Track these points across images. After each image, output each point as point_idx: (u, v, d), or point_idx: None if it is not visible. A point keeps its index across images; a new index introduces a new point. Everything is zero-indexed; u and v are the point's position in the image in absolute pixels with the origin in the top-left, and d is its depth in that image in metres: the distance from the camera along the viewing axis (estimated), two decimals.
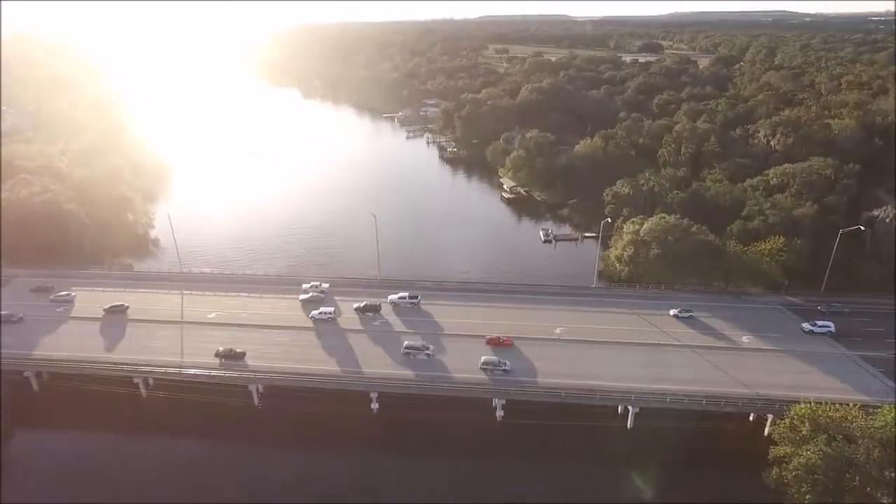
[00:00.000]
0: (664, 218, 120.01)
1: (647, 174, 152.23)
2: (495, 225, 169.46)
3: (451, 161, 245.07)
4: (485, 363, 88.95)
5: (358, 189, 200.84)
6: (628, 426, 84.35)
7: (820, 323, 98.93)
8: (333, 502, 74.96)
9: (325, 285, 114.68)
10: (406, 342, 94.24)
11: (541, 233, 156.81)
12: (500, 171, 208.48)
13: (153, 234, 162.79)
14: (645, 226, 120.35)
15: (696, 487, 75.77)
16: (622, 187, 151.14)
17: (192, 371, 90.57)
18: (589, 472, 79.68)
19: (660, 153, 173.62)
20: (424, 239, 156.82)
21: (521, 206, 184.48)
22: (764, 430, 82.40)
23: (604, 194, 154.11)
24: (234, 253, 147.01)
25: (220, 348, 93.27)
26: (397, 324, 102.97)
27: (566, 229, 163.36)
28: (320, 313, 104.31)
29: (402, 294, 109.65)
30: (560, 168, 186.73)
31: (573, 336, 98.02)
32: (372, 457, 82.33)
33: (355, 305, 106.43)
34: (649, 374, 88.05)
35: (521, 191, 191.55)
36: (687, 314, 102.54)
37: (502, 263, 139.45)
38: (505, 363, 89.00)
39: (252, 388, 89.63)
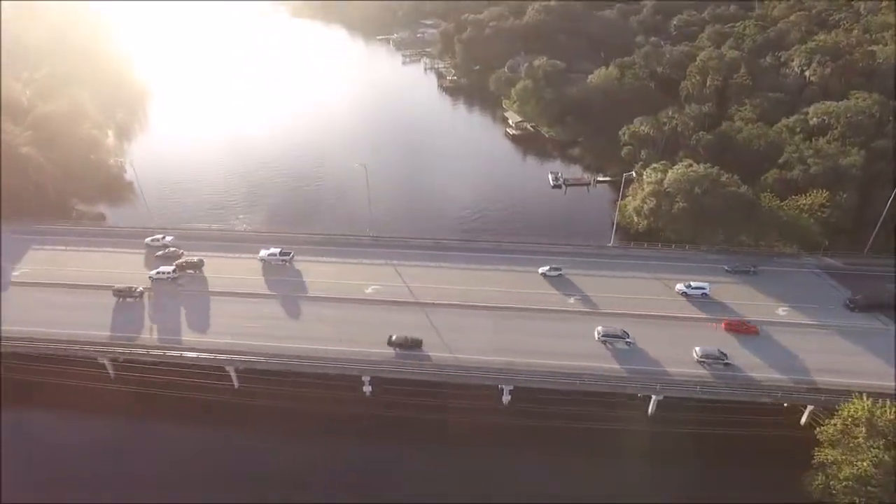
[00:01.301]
0: (691, 166, 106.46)
1: (670, 112, 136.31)
2: (499, 167, 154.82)
3: (451, 91, 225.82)
4: (704, 356, 76.90)
5: (348, 128, 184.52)
6: (649, 412, 75.82)
7: (694, 285, 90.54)
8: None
9: (170, 238, 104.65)
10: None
11: (549, 176, 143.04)
12: (505, 104, 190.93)
13: (128, 177, 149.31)
14: (669, 175, 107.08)
15: (721, 485, 68.18)
16: (640, 126, 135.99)
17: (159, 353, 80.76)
18: (602, 463, 71.71)
19: (683, 85, 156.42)
20: (420, 184, 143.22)
21: (527, 143, 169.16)
22: (801, 419, 74.09)
23: (620, 133, 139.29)
24: (209, 201, 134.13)
25: (394, 336, 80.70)
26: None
27: (577, 172, 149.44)
28: (158, 273, 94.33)
29: (272, 250, 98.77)
30: (571, 101, 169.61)
31: (586, 307, 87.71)
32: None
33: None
34: (673, 355, 78.41)
35: (528, 126, 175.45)
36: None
37: (506, 214, 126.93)
38: (724, 356, 76.79)
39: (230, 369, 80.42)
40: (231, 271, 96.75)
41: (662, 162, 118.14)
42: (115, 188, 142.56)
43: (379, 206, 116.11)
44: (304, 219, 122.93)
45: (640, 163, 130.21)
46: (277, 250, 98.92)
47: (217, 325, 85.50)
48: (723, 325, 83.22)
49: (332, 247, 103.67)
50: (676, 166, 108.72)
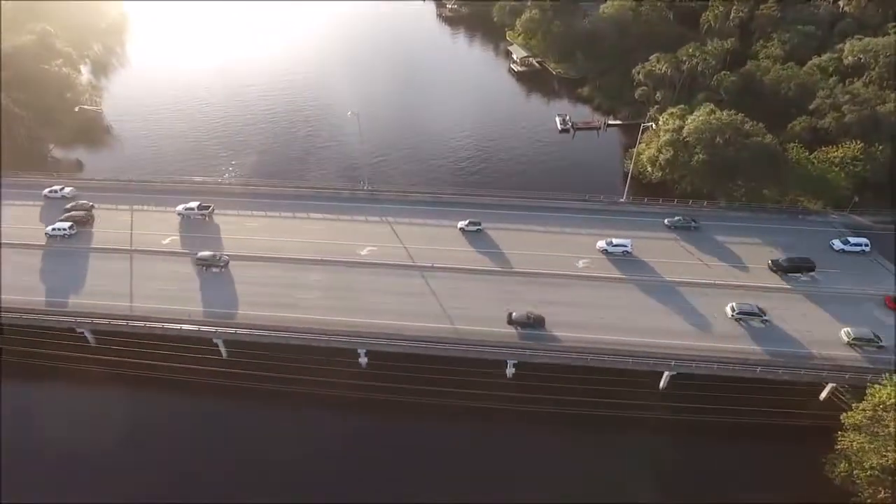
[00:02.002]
0: (714, 113, 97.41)
1: (690, 48, 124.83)
2: (502, 108, 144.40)
3: (452, 21, 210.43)
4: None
5: (339, 60, 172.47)
6: (661, 386, 71.61)
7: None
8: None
9: (68, 189, 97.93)
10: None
11: (556, 119, 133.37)
12: (509, 36, 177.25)
13: (107, 119, 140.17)
14: (689, 122, 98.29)
15: (731, 466, 64.82)
16: (657, 64, 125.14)
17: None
18: (609, 440, 68.15)
19: (704, 17, 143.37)
20: (415, 126, 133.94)
21: (533, 82, 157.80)
22: (820, 395, 70.02)
23: (633, 72, 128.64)
24: (192, 149, 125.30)
25: (514, 313, 73.02)
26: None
27: (586, 114, 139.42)
28: (53, 230, 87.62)
29: (189, 204, 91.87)
30: (581, 34, 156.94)
31: (599, 271, 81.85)
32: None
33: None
34: (686, 327, 73.27)
35: (534, 62, 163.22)
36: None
37: (509, 165, 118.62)
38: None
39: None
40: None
41: (680, 106, 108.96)
42: (93, 131, 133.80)
43: (371, 155, 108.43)
44: (292, 169, 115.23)
45: (656, 106, 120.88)
46: (195, 204, 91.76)
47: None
48: (886, 300, 75.62)
49: (320, 201, 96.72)
50: (696, 112, 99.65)
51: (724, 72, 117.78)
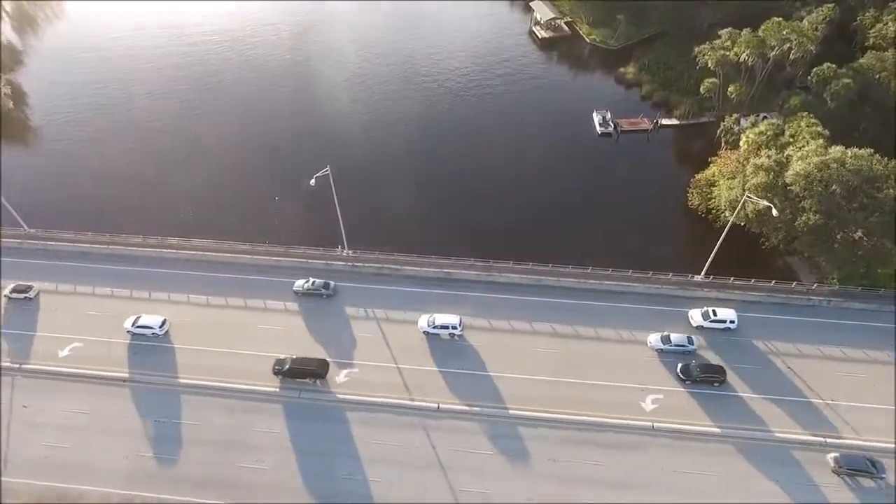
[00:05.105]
0: (844, 152, 68.39)
1: (779, 24, 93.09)
2: (521, 92, 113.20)
3: None
4: None
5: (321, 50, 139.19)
6: None
7: None
8: None
9: None
10: None
11: (595, 118, 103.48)
12: None
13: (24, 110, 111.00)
14: (795, 163, 69.90)
15: None
16: (728, 43, 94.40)
17: None
18: None
19: None
20: (395, 131, 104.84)
21: (561, 52, 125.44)
22: None
23: (696, 52, 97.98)
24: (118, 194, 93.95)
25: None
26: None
27: (629, 99, 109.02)
28: None
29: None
30: None
31: (673, 417, 57.25)
32: None
33: None
34: None
35: (563, 25, 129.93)
36: None
37: (524, 190, 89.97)
38: None
39: None
40: None
41: (771, 121, 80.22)
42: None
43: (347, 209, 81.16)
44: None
45: (729, 111, 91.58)
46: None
47: None
48: None
49: (281, 276, 70.85)
50: (811, 147, 70.48)
51: (826, 64, 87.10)
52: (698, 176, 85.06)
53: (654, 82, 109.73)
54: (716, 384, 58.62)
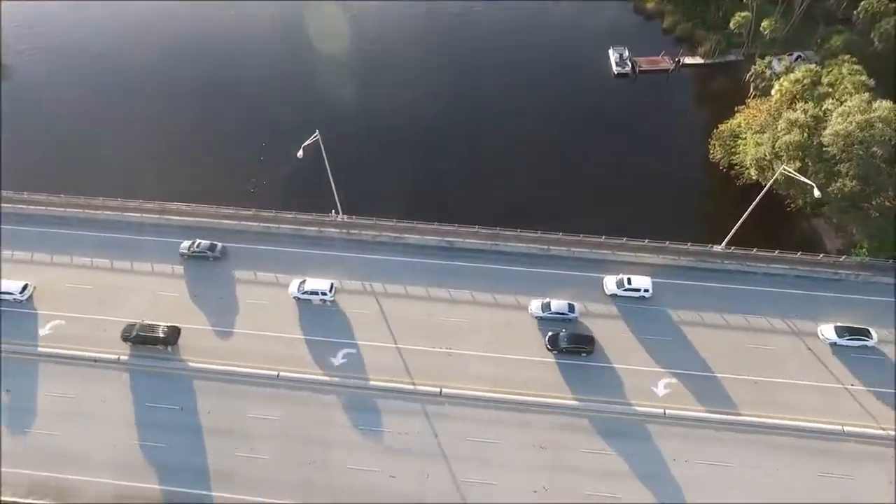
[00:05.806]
0: (893, 109, 60.85)
1: None
2: (528, 27, 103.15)
3: None
4: None
5: None
6: None
7: None
8: None
9: None
10: None
11: (611, 55, 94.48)
12: None
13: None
14: (836, 123, 62.60)
15: None
16: None
17: None
18: None
19: None
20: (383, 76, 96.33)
21: None
22: None
23: None
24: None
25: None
26: None
27: (652, 38, 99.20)
28: None
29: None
30: None
31: (686, 404, 54.40)
32: None
33: None
34: None
35: None
36: None
37: (532, 135, 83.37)
38: None
39: None
40: None
41: (809, 66, 72.04)
42: None
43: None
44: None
45: (760, 50, 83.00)
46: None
47: None
48: None
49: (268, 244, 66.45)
50: (852, 102, 62.79)
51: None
52: (722, 126, 77.74)
53: (677, 13, 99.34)
54: (583, 354, 55.94)
